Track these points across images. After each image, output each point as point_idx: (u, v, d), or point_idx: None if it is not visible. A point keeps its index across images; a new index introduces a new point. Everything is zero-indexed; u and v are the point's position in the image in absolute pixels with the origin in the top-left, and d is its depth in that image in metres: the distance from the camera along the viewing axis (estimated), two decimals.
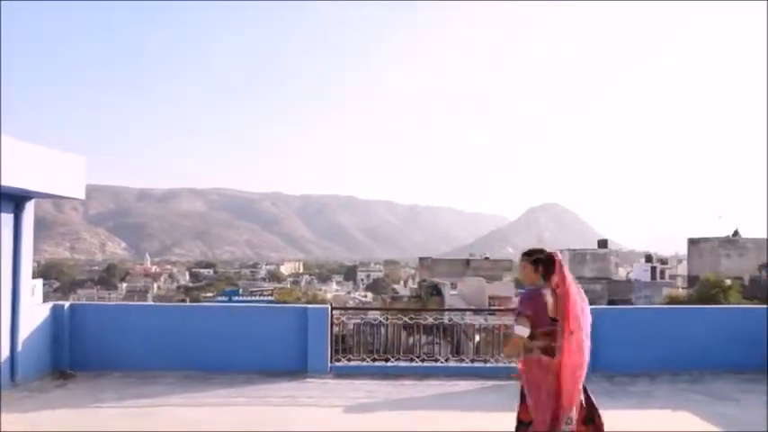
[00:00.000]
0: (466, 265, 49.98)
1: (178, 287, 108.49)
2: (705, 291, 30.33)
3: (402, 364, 8.67)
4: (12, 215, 7.54)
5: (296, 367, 8.35)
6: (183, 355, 8.41)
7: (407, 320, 9.10)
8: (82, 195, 8.08)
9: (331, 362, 8.49)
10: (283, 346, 8.52)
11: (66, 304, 8.60)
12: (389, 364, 8.66)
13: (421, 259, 59.87)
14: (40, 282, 8.73)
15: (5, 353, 7.43)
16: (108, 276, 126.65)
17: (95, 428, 5.95)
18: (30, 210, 7.82)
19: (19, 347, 7.59)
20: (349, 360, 8.65)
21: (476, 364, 8.73)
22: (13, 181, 6.68)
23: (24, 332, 7.70)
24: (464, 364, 8.74)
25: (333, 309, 8.90)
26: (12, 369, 7.51)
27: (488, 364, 8.70)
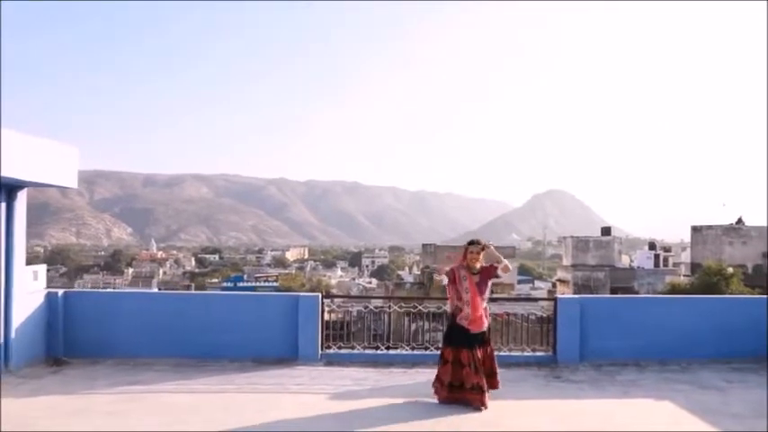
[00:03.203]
0: None
1: (184, 273, 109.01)
2: (707, 278, 30.06)
3: (392, 352, 8.74)
4: (3, 204, 7.62)
5: (287, 355, 8.44)
6: (175, 342, 8.48)
7: (397, 309, 9.15)
8: (74, 185, 8.16)
9: (322, 349, 8.58)
10: (275, 333, 8.56)
11: (60, 292, 8.64)
12: (379, 352, 8.73)
13: (424, 245, 59.74)
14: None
15: None
16: (114, 262, 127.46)
17: (88, 413, 6.06)
18: (22, 199, 7.88)
19: (12, 334, 7.67)
20: (339, 348, 8.74)
21: None
22: (5, 171, 6.74)
23: (18, 319, 7.78)
24: None
25: (324, 297, 8.97)
26: (5, 356, 7.60)
27: None
